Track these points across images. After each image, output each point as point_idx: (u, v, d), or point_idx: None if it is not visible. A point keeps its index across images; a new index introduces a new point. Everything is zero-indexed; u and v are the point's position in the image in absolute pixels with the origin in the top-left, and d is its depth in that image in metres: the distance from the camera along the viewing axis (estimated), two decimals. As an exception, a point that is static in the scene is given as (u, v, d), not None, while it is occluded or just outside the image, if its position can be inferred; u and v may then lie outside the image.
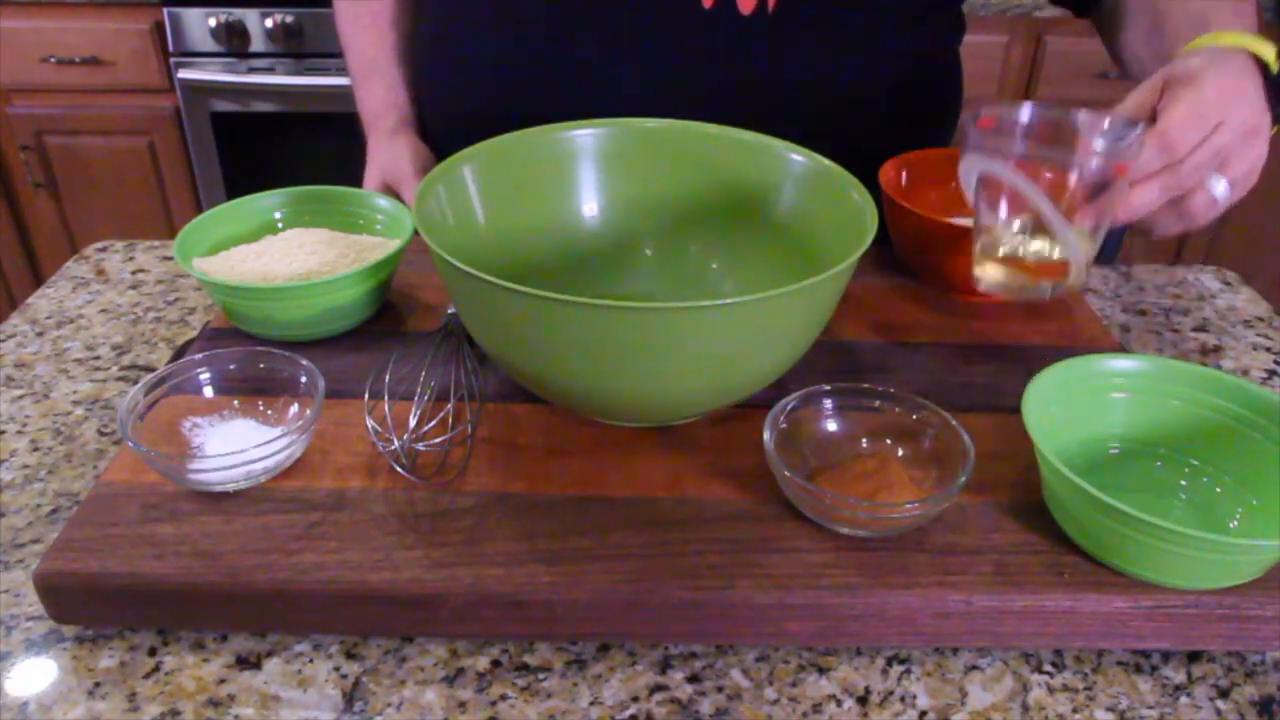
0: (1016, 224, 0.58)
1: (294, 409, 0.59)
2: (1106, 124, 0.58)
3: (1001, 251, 0.60)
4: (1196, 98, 0.57)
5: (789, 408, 0.56)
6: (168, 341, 0.75)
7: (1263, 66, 0.61)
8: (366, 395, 0.60)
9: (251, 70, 1.89)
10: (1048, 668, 0.51)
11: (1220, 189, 0.59)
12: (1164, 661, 0.51)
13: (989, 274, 0.61)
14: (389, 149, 0.87)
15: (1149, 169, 0.57)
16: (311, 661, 0.50)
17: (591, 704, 0.48)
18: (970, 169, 0.59)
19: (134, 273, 0.85)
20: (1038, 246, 0.59)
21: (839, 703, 0.48)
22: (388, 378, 0.61)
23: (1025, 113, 0.60)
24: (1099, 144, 0.58)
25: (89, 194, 2.04)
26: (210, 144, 1.97)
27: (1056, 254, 0.58)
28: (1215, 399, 0.55)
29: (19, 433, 0.65)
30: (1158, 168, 0.57)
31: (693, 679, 0.49)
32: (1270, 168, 0.61)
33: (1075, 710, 0.48)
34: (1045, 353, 0.68)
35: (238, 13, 1.84)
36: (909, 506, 0.51)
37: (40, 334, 0.76)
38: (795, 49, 0.77)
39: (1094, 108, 0.59)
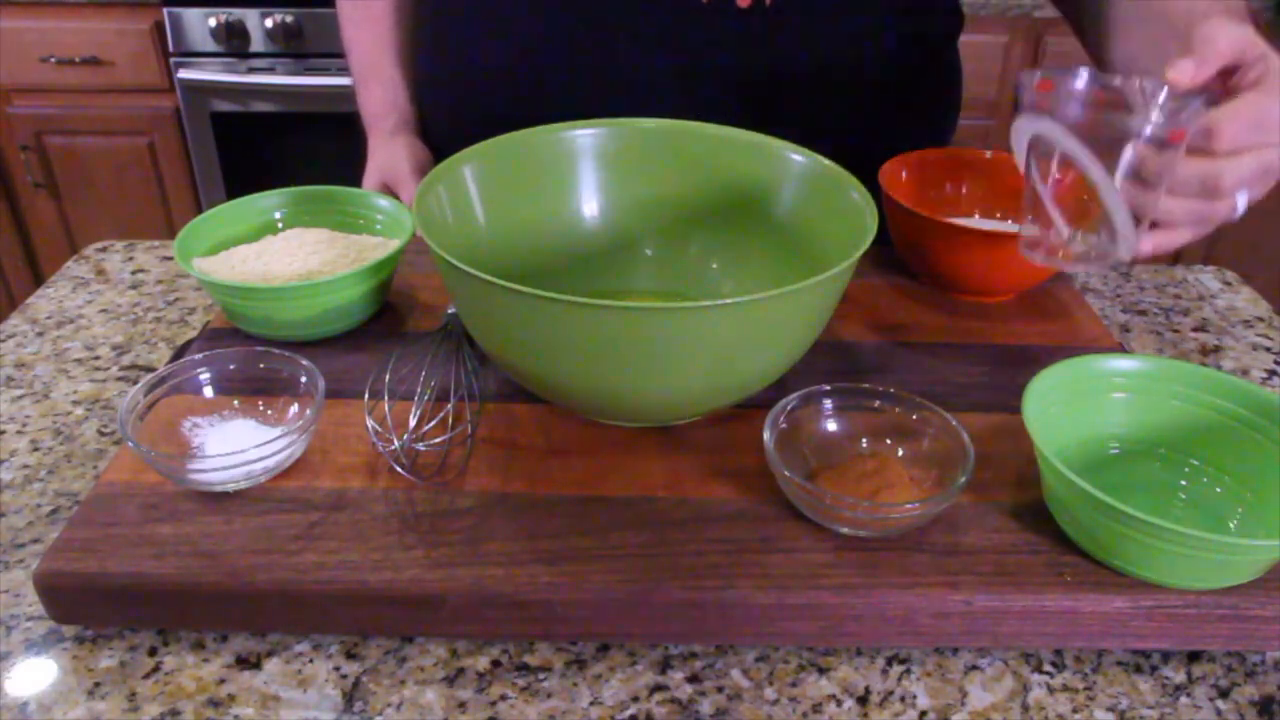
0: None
1: (294, 409, 0.59)
2: (1164, 94, 0.55)
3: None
4: (1262, 101, 0.52)
5: (789, 408, 0.56)
6: (168, 341, 0.75)
7: None
8: (366, 395, 0.60)
9: (251, 70, 1.89)
10: (1048, 668, 0.50)
11: (1242, 201, 0.55)
12: (1164, 661, 0.51)
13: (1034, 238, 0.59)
14: (387, 149, 0.87)
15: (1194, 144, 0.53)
16: (311, 661, 0.50)
17: (591, 704, 0.48)
18: (1023, 130, 0.56)
19: (134, 273, 0.85)
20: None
21: (839, 703, 0.48)
22: (388, 378, 0.61)
23: (1082, 78, 0.57)
24: (1157, 114, 0.54)
25: (89, 194, 2.04)
26: (210, 144, 1.97)
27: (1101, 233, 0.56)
28: (1215, 399, 0.55)
29: (19, 433, 0.65)
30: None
31: (693, 679, 0.49)
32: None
33: (1075, 710, 0.48)
34: (1045, 353, 0.68)
35: (238, 13, 1.84)
36: (909, 506, 0.51)
37: (40, 334, 0.76)
38: (794, 44, 0.77)
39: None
